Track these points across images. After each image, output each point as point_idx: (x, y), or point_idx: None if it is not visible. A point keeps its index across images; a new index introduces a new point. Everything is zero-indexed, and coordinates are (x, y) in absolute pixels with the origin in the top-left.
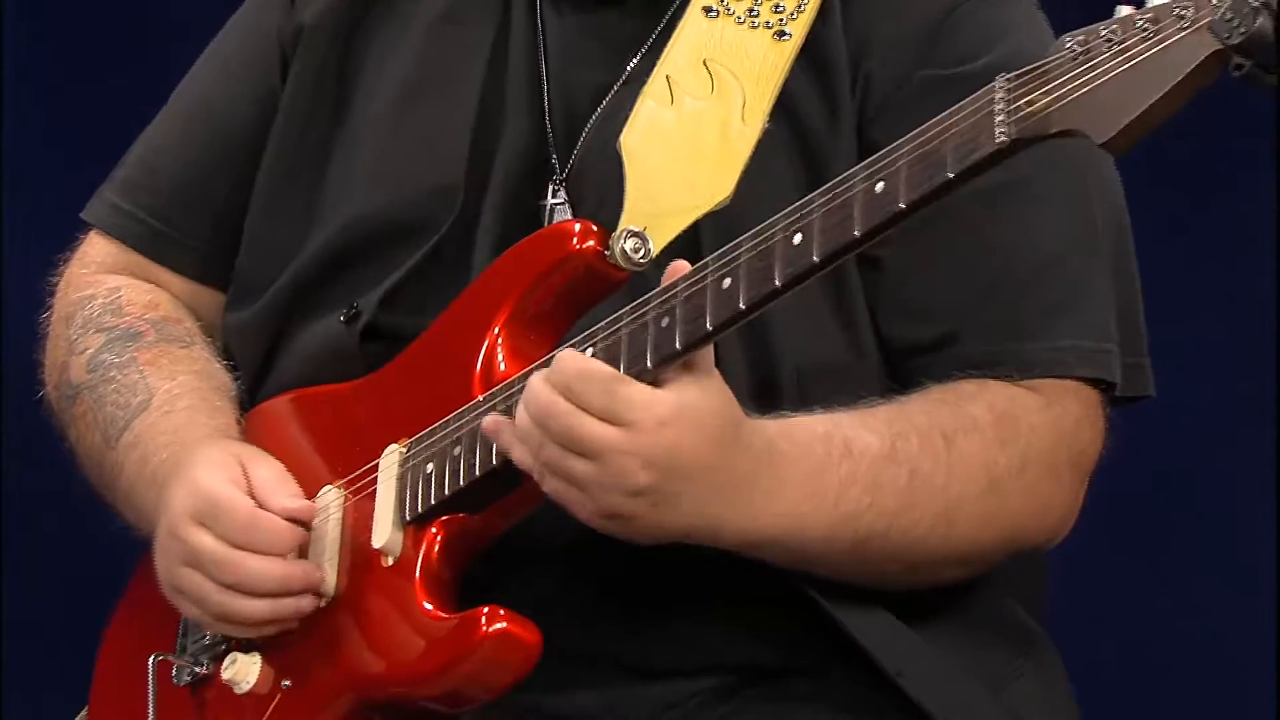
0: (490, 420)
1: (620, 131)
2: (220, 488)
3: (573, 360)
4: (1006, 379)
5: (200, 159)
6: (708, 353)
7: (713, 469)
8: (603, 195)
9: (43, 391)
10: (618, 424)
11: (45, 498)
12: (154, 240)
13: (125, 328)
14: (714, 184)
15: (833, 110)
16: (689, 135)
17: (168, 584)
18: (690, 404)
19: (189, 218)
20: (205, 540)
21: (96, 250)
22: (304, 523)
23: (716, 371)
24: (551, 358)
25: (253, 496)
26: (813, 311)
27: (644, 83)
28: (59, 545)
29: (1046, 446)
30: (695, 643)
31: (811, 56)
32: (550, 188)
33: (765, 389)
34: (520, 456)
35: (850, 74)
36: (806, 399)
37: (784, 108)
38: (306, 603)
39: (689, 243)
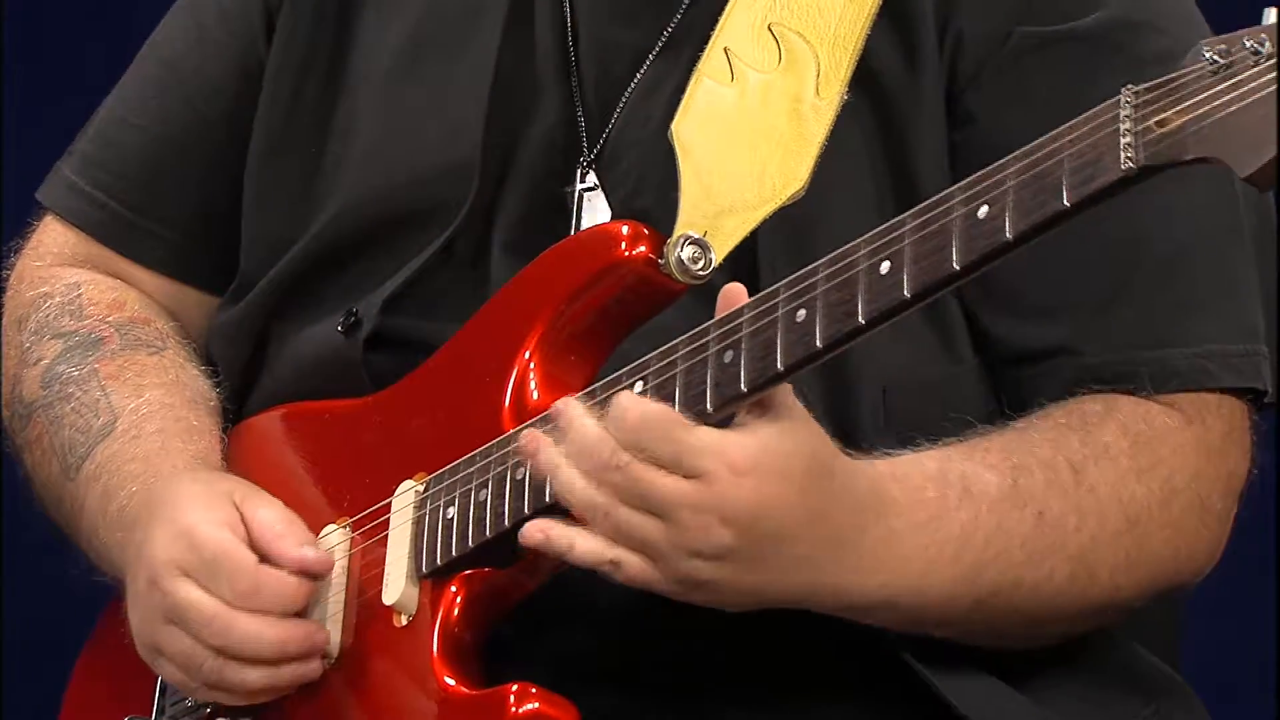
0: (535, 529)
1: (657, 105)
2: (217, 537)
3: (632, 406)
4: (1137, 393)
5: (170, 134)
6: (785, 384)
7: (806, 523)
8: (640, 179)
9: None
10: (688, 475)
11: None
12: (119, 230)
13: (85, 333)
14: (784, 173)
15: (914, 72)
16: (754, 117)
17: (146, 643)
18: (770, 447)
19: (159, 203)
20: (193, 595)
21: (53, 238)
22: (318, 575)
23: (799, 404)
24: (595, 389)
25: (254, 545)
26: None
27: (687, 46)
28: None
29: (1191, 472)
30: (764, 708)
31: (890, 9)
32: (579, 170)
33: (843, 411)
34: (584, 550)
35: (937, 30)
36: (892, 421)
37: (860, 73)
38: (311, 667)
39: (745, 246)
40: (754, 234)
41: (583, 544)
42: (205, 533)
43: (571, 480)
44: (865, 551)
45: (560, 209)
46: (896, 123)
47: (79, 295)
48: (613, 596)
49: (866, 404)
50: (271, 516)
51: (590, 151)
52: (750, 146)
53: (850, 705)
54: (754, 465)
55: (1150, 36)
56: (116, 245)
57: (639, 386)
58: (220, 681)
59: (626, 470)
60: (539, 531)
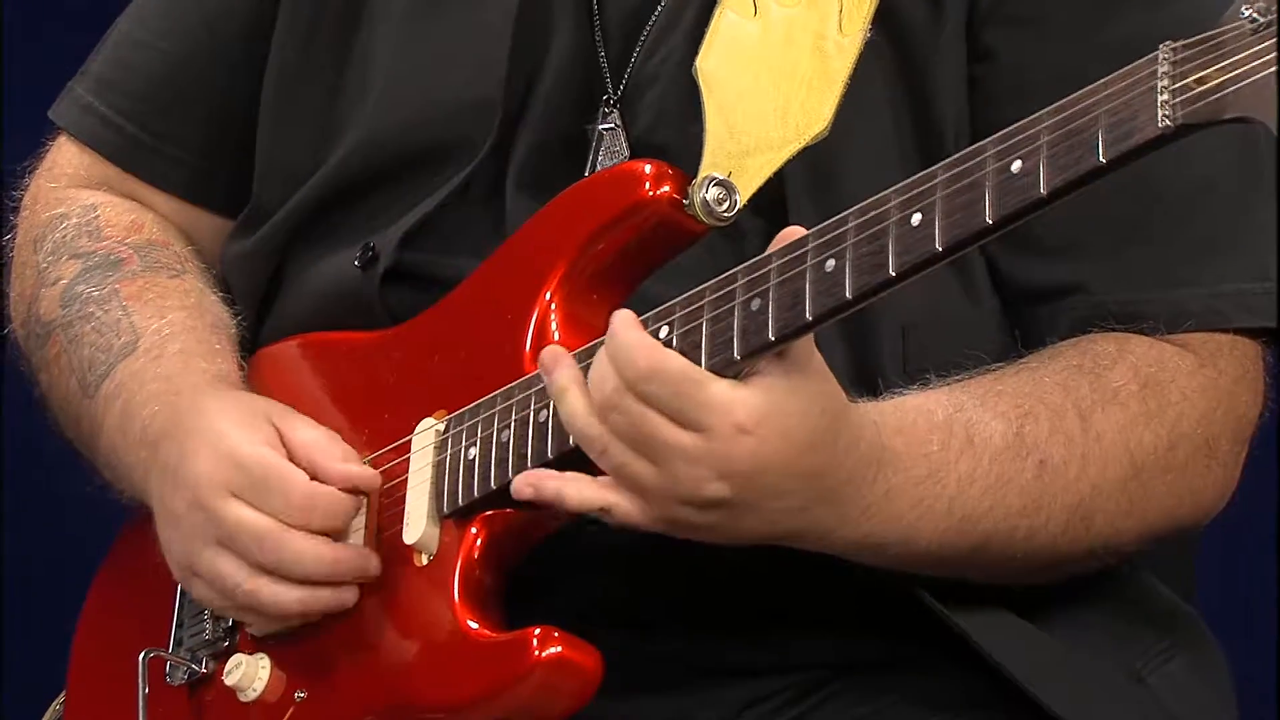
0: (524, 483)
1: (678, 38)
2: (264, 456)
3: (641, 352)
4: (1151, 333)
5: (186, 57)
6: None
7: (804, 478)
8: (660, 113)
9: (8, 329)
10: (689, 428)
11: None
12: (134, 152)
13: (104, 254)
14: (807, 112)
15: (935, 8)
16: (777, 54)
17: (182, 564)
18: (777, 405)
19: (174, 126)
20: (244, 514)
21: (67, 159)
22: (364, 491)
23: (817, 355)
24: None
25: (297, 463)
26: None
27: None
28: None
29: (1199, 416)
30: (781, 640)
31: None
32: (601, 109)
33: (863, 351)
34: (575, 499)
35: None
36: (911, 359)
37: (882, 9)
38: (349, 594)
39: (771, 185)
40: (779, 173)
41: (572, 492)
42: (250, 452)
43: (575, 408)
44: (858, 506)
45: (576, 146)
46: (917, 60)
47: (96, 216)
48: (633, 540)
49: (887, 344)
50: (312, 435)
51: (615, 90)
52: (774, 85)
53: (868, 643)
54: (758, 423)
55: None
56: (132, 168)
57: (664, 331)
58: (257, 602)
59: (629, 411)
60: (527, 486)
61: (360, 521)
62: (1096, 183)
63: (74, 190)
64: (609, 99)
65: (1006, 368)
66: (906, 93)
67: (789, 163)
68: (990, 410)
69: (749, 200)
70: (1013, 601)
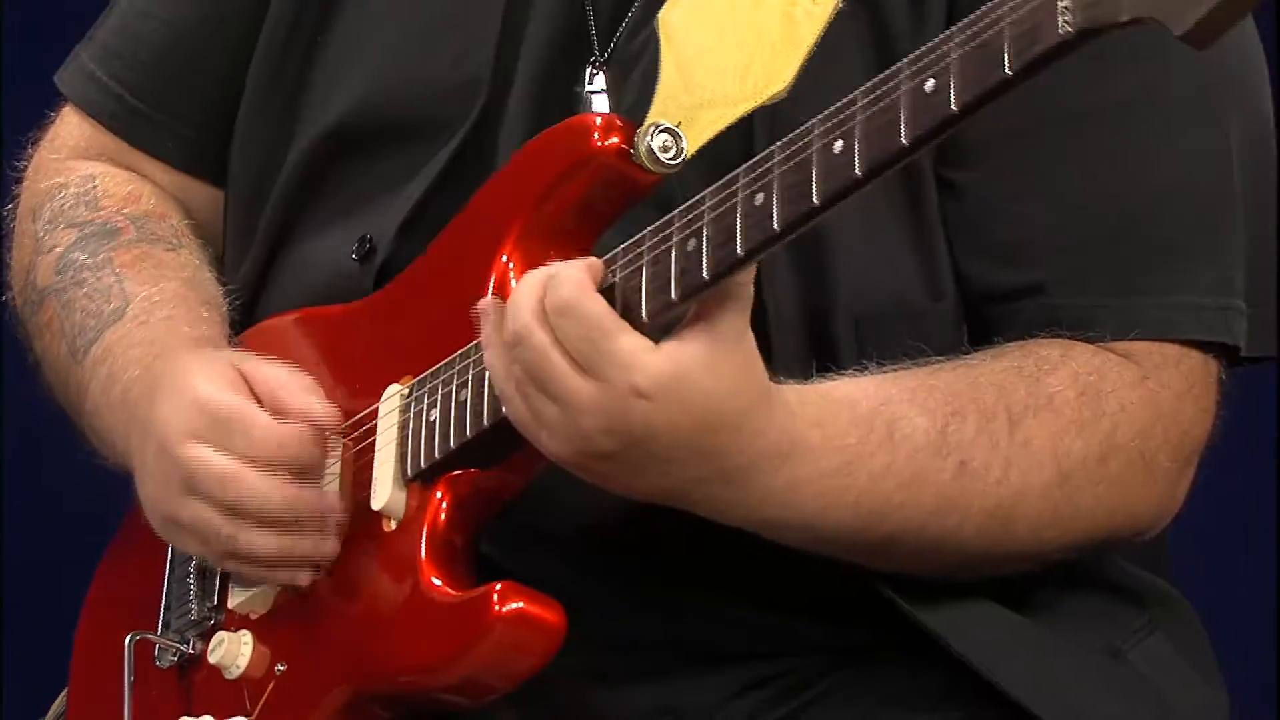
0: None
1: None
2: (227, 398)
3: (567, 286)
4: (1098, 341)
5: (189, 28)
6: (740, 306)
7: (696, 456)
8: (650, 79)
9: (7, 295)
10: (590, 375)
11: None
12: (135, 123)
13: (101, 223)
14: (768, 73)
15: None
16: (745, 14)
17: (163, 516)
18: (683, 378)
19: (175, 98)
20: (205, 454)
21: (69, 130)
22: (325, 428)
23: (748, 334)
24: None
25: (260, 399)
26: (885, 245)
27: None
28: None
29: (1136, 430)
30: (773, 627)
31: None
32: (589, 72)
33: (822, 335)
34: (490, 359)
35: None
36: (865, 350)
37: None
38: (327, 546)
39: (741, 142)
40: (746, 138)
41: (490, 355)
42: (215, 397)
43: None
44: (757, 492)
45: (569, 113)
46: (893, 37)
47: (94, 186)
48: (612, 513)
49: (844, 333)
50: (273, 370)
51: (602, 53)
52: (737, 43)
53: (867, 631)
54: (657, 390)
55: None
56: (132, 138)
57: (608, 280)
58: (234, 548)
59: (536, 346)
60: (483, 308)
61: (334, 488)
62: (1008, 94)
63: (74, 161)
64: (596, 61)
65: (946, 363)
66: (880, 66)
67: (753, 125)
68: (918, 406)
69: (711, 156)
70: (989, 588)
